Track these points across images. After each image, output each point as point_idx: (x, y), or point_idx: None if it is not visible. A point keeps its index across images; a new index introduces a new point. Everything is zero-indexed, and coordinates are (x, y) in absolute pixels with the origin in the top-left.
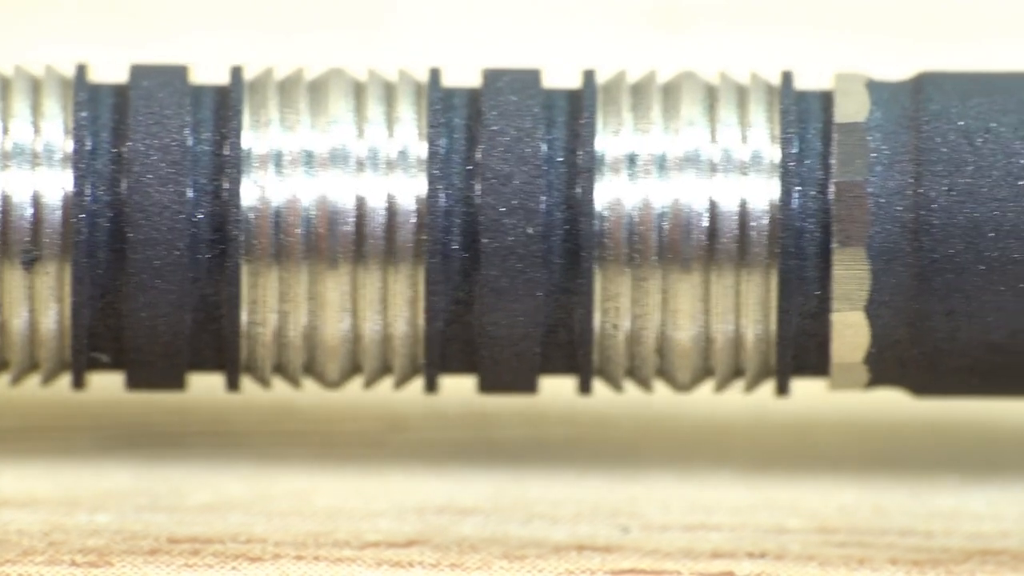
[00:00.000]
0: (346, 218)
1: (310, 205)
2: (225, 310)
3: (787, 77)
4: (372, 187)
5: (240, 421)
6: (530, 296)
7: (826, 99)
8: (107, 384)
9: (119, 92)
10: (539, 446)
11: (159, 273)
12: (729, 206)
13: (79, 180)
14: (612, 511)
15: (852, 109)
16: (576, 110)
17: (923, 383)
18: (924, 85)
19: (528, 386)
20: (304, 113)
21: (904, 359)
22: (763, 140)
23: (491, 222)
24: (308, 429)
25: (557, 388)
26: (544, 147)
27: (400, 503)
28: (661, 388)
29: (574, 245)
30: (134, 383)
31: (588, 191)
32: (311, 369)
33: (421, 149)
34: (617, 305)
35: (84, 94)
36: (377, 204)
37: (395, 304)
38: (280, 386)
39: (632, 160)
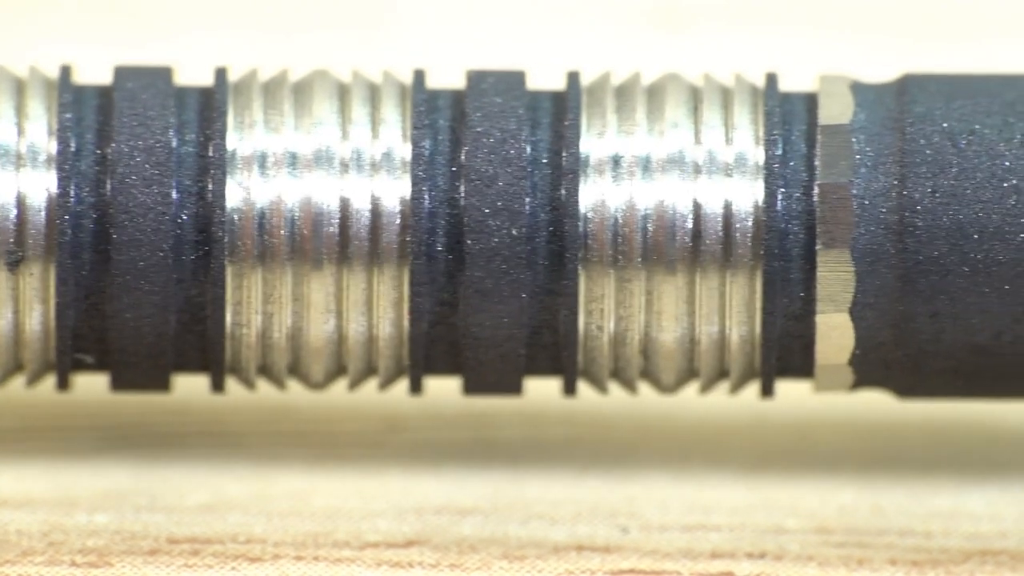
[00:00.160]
0: (330, 219)
1: (294, 206)
2: (210, 311)
3: (771, 79)
4: (356, 188)
5: (239, 421)
6: (515, 297)
7: (810, 101)
8: (105, 384)
9: (103, 93)
10: (538, 446)
11: (143, 274)
12: (713, 208)
13: (63, 181)
14: (611, 511)
15: (836, 111)
16: (561, 112)
17: (907, 385)
18: (908, 87)
19: (513, 387)
20: (288, 114)
21: (888, 361)
22: (747, 142)
23: (476, 223)
24: (307, 429)
25: (555, 388)
26: (529, 149)
27: (399, 503)
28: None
29: (559, 246)
30: (118, 384)
31: (573, 192)
32: (296, 370)
33: (405, 150)
34: (602, 306)
35: (68, 95)
36: (361, 205)
37: (380, 305)
38: (278, 387)
39: (616, 162)
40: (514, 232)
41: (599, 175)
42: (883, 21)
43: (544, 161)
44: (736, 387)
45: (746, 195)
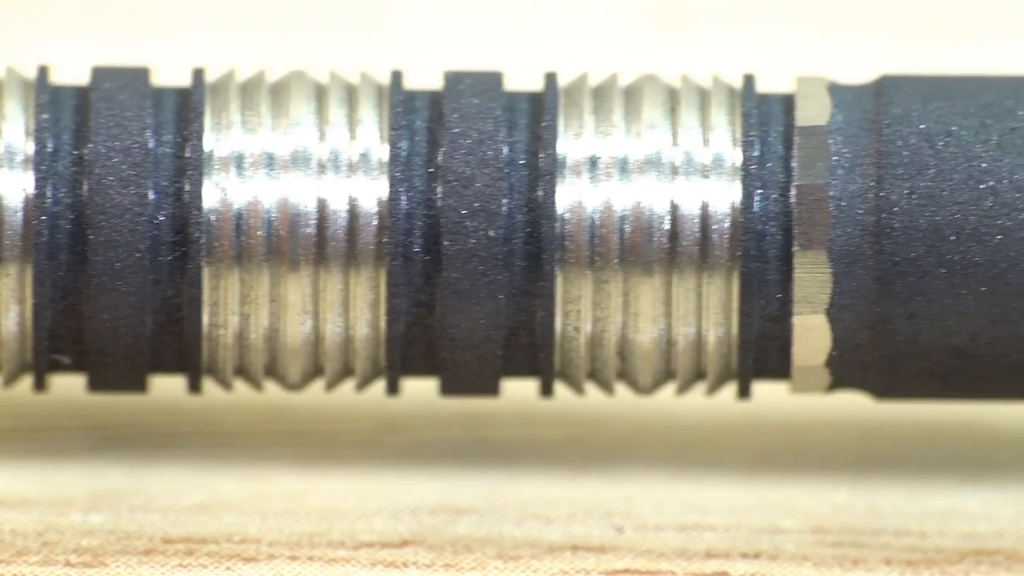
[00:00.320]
0: (307, 220)
1: (271, 207)
2: (186, 312)
3: (749, 80)
4: (333, 189)
5: (234, 421)
6: (491, 298)
7: (788, 102)
8: None
9: (81, 94)
10: (533, 446)
11: (120, 275)
12: (690, 209)
13: (40, 182)
14: (607, 511)
15: (813, 112)
16: (538, 113)
17: (884, 386)
18: (885, 88)
19: (490, 388)
20: (266, 115)
21: (865, 362)
22: (725, 143)
23: (453, 224)
24: (302, 429)
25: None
26: (506, 150)
27: (395, 503)
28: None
29: (536, 248)
30: (95, 385)
31: (550, 194)
32: (273, 371)
33: (383, 151)
34: (578, 308)
35: (45, 96)
36: (338, 206)
37: (356, 306)
38: (275, 387)
39: (594, 163)
40: (491, 233)
41: (576, 176)
42: (883, 21)
43: (521, 162)
44: (713, 388)
45: (723, 196)
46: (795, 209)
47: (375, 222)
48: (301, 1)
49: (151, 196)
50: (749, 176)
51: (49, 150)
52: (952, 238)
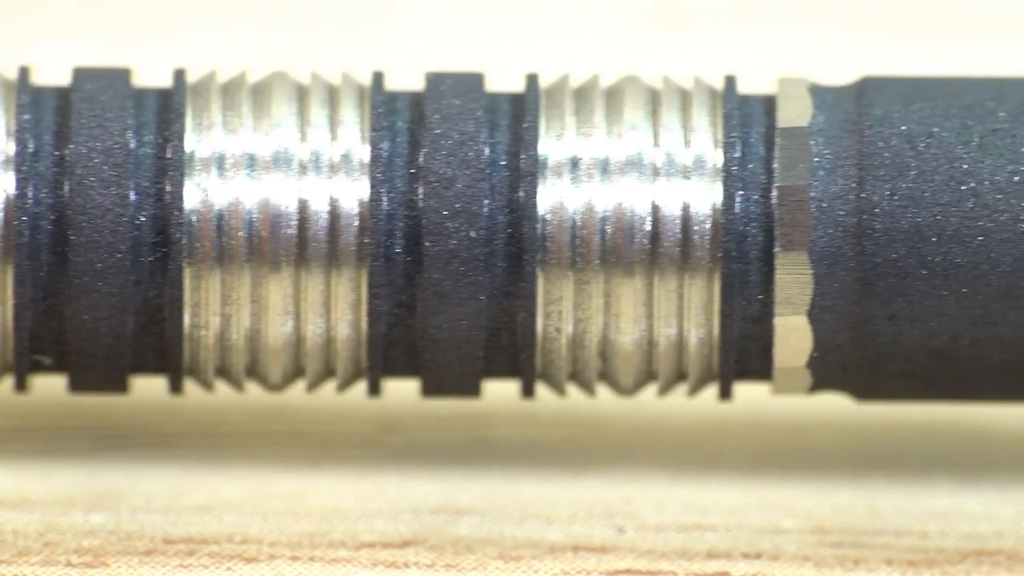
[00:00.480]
0: (289, 221)
1: (253, 208)
2: (167, 313)
3: (730, 81)
4: (315, 190)
5: (235, 422)
6: (473, 300)
7: (769, 103)
8: None
9: (62, 95)
10: (534, 446)
11: (101, 276)
12: (672, 210)
13: (21, 183)
14: (607, 511)
15: (795, 113)
16: (519, 114)
17: (865, 388)
18: (867, 90)
19: (471, 389)
20: (247, 116)
21: (846, 363)
22: (706, 144)
23: (434, 225)
24: (303, 430)
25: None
26: (487, 151)
27: (395, 503)
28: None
29: (517, 249)
30: (76, 386)
31: (531, 195)
32: (254, 372)
33: (364, 152)
34: (560, 309)
35: (27, 96)
36: (320, 207)
37: (338, 307)
38: (268, 388)
39: (575, 164)
40: (472, 234)
41: (557, 177)
42: (883, 21)
43: (502, 163)
44: (694, 390)
45: (704, 197)
46: (776, 210)
47: (356, 223)
48: (301, 1)
49: (132, 197)
50: (730, 177)
51: (30, 151)
52: (933, 239)
